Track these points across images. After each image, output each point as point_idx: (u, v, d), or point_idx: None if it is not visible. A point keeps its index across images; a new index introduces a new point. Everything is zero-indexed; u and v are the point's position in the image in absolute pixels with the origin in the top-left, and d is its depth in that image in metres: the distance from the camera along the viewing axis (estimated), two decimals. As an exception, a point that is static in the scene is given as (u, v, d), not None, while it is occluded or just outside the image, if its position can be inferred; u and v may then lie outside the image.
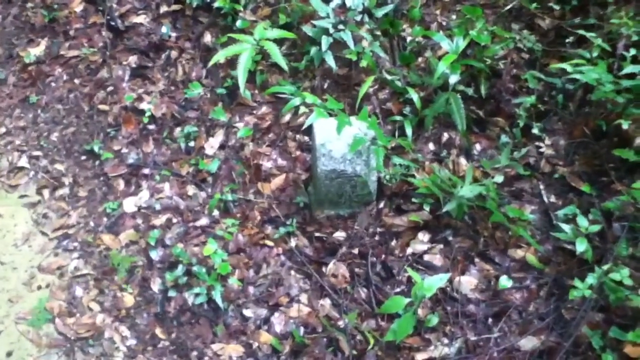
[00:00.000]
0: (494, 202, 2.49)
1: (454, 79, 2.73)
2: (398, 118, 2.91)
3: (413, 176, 2.68)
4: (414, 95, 2.85)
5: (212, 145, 3.12)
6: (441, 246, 2.58)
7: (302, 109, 2.99)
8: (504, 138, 2.83)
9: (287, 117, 3.13)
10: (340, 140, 2.52)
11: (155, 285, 2.64)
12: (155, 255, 2.73)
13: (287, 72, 3.13)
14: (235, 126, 3.16)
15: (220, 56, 2.79)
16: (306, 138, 3.05)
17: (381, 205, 2.75)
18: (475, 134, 2.89)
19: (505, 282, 2.36)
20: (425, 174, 2.77)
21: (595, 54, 2.58)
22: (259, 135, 3.12)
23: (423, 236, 2.63)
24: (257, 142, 3.09)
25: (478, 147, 2.88)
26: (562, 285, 2.35)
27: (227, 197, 2.87)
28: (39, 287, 2.72)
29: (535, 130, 2.74)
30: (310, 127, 2.64)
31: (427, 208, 2.63)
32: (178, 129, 3.22)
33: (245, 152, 3.06)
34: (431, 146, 2.92)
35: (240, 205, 2.88)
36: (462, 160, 2.84)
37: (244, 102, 3.23)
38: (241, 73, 2.86)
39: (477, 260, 2.50)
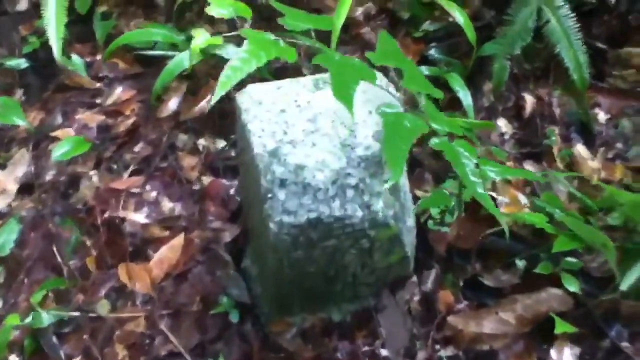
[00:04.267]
0: None
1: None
2: (430, 71, 1.27)
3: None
4: (459, 16, 1.23)
5: (4, 186, 1.35)
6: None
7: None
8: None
9: (173, 103, 1.40)
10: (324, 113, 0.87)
11: None
12: None
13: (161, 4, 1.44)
14: (56, 137, 1.40)
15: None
16: (222, 142, 1.35)
17: (430, 282, 1.11)
18: (590, 85, 1.33)
19: None
20: (517, 190, 1.16)
21: None
22: (113, 150, 1.38)
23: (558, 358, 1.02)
24: (109, 168, 1.35)
25: (599, 112, 1.32)
26: None
27: (42, 319, 1.12)
28: None
29: None
30: (236, 113, 0.95)
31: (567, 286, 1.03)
32: None
33: (84, 192, 1.31)
34: (503, 124, 1.31)
35: (79, 333, 1.14)
36: (581, 149, 1.26)
37: (74, 80, 1.48)
38: (52, 16, 1.31)
39: None
